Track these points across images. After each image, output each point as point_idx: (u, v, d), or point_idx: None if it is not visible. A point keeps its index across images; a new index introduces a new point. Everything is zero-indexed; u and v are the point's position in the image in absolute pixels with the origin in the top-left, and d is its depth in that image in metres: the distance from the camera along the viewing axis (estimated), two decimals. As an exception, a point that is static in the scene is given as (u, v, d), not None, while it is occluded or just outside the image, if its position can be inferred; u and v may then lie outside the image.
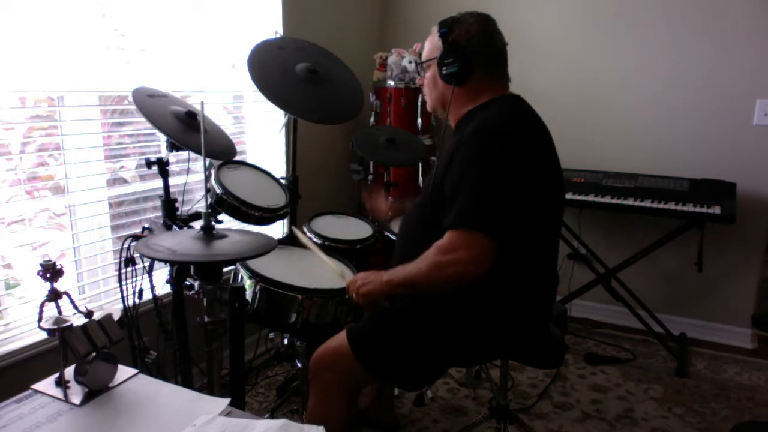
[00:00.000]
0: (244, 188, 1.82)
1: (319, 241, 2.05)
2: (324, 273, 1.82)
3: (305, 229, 2.10)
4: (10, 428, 0.94)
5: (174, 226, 1.75)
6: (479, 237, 1.37)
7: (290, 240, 2.02)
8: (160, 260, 1.44)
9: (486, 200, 1.38)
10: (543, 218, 1.52)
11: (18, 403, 1.02)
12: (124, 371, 1.12)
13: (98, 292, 2.08)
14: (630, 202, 2.69)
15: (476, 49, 1.51)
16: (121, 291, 1.71)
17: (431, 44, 1.58)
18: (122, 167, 2.18)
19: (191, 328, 1.69)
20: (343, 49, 2.60)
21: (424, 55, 1.62)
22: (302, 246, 2.01)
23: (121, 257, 1.70)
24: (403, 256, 1.67)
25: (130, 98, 1.72)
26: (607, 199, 2.74)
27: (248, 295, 1.63)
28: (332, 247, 2.03)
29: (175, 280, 1.62)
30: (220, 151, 1.85)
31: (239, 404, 1.50)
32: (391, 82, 3.12)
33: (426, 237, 1.52)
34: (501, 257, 1.39)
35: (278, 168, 2.79)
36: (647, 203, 2.66)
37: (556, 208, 1.58)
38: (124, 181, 2.20)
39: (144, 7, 2.10)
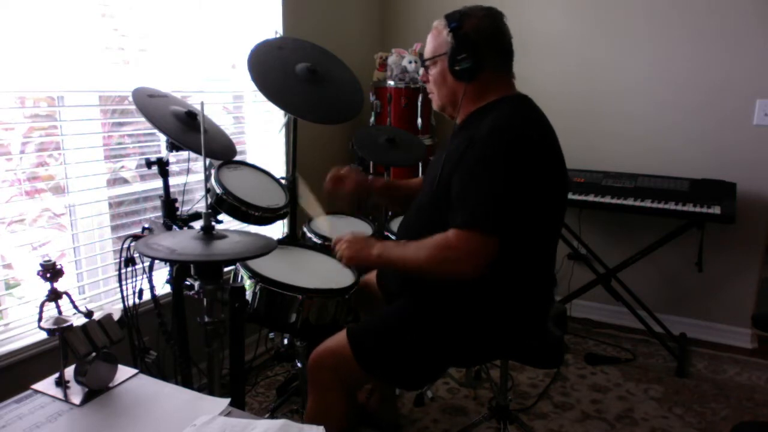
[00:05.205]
0: (244, 188, 1.82)
1: (319, 241, 2.05)
2: (324, 273, 1.82)
3: (305, 229, 2.11)
4: (10, 428, 0.94)
5: (174, 226, 1.75)
6: (486, 239, 1.37)
7: (290, 240, 2.02)
8: (161, 259, 1.44)
9: (498, 203, 1.37)
10: (548, 221, 1.52)
11: (18, 403, 1.02)
12: (124, 371, 1.12)
13: (98, 292, 2.08)
14: (630, 202, 2.69)
15: (487, 44, 1.48)
16: (121, 291, 1.71)
17: (437, 40, 1.52)
18: (122, 167, 2.18)
19: (191, 328, 1.69)
20: (343, 49, 2.60)
21: (429, 51, 1.55)
22: (304, 248, 2.01)
23: (121, 257, 1.69)
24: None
25: (130, 98, 1.71)
26: (607, 199, 2.74)
27: (248, 295, 1.63)
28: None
29: (175, 280, 1.62)
30: (220, 151, 1.85)
31: (239, 404, 1.51)
32: (391, 82, 3.11)
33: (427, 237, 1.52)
34: (504, 257, 1.39)
35: (278, 168, 2.79)
36: (647, 203, 2.66)
37: (559, 211, 1.58)
38: (124, 181, 2.20)
39: (144, 7, 2.10)
